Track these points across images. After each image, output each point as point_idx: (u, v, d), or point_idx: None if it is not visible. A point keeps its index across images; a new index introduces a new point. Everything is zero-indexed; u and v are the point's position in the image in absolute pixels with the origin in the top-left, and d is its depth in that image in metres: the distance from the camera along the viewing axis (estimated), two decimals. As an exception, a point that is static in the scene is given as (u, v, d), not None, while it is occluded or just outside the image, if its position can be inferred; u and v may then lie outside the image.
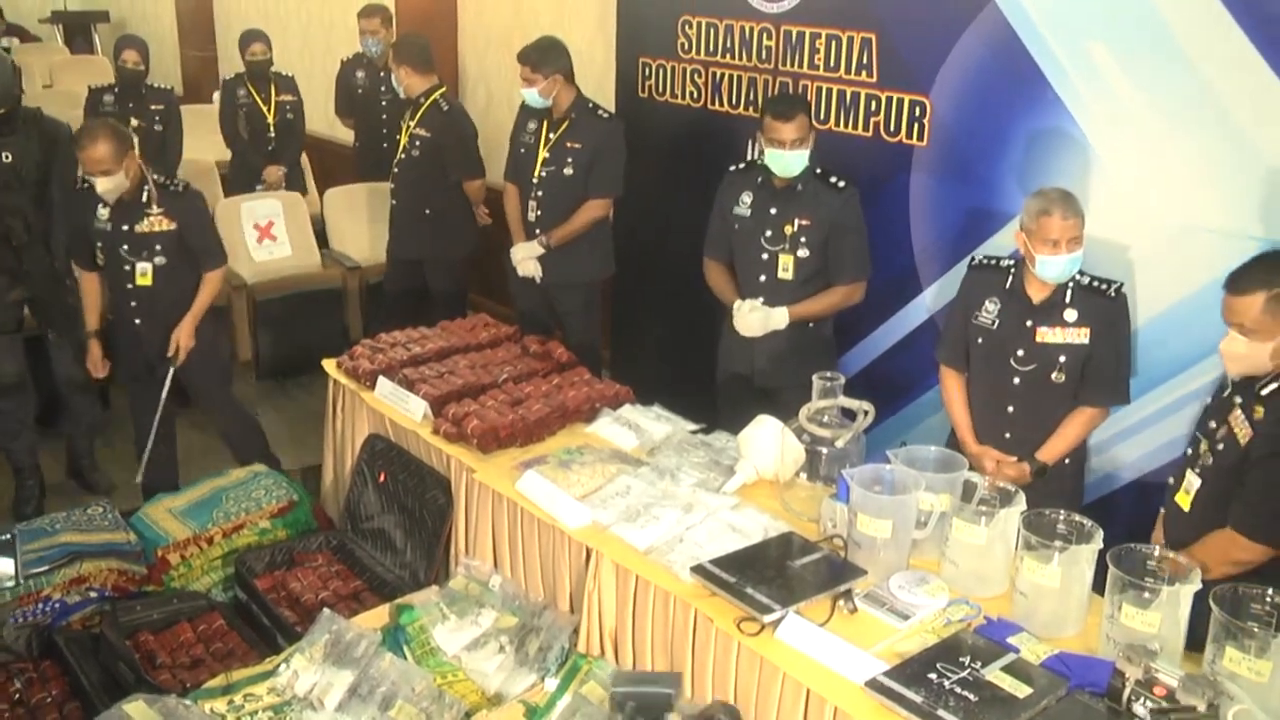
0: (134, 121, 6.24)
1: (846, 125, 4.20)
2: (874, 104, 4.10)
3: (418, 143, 5.39)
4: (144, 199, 4.36)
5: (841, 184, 3.89)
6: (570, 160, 4.68)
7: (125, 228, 4.36)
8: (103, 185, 4.23)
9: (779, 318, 3.91)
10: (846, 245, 3.91)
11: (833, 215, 3.88)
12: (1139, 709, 2.15)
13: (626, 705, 2.63)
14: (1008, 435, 3.40)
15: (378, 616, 3.25)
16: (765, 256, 3.96)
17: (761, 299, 3.95)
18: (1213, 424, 2.82)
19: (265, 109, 6.59)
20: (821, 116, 4.26)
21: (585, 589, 2.97)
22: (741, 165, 4.14)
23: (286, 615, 3.48)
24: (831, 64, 4.22)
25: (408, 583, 3.56)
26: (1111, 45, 3.45)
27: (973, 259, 3.49)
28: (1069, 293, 3.27)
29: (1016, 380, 3.34)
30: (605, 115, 4.77)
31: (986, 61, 3.76)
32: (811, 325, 4.00)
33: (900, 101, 4.02)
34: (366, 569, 3.74)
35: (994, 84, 3.76)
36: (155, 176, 4.46)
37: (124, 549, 3.87)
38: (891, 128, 4.07)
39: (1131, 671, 2.18)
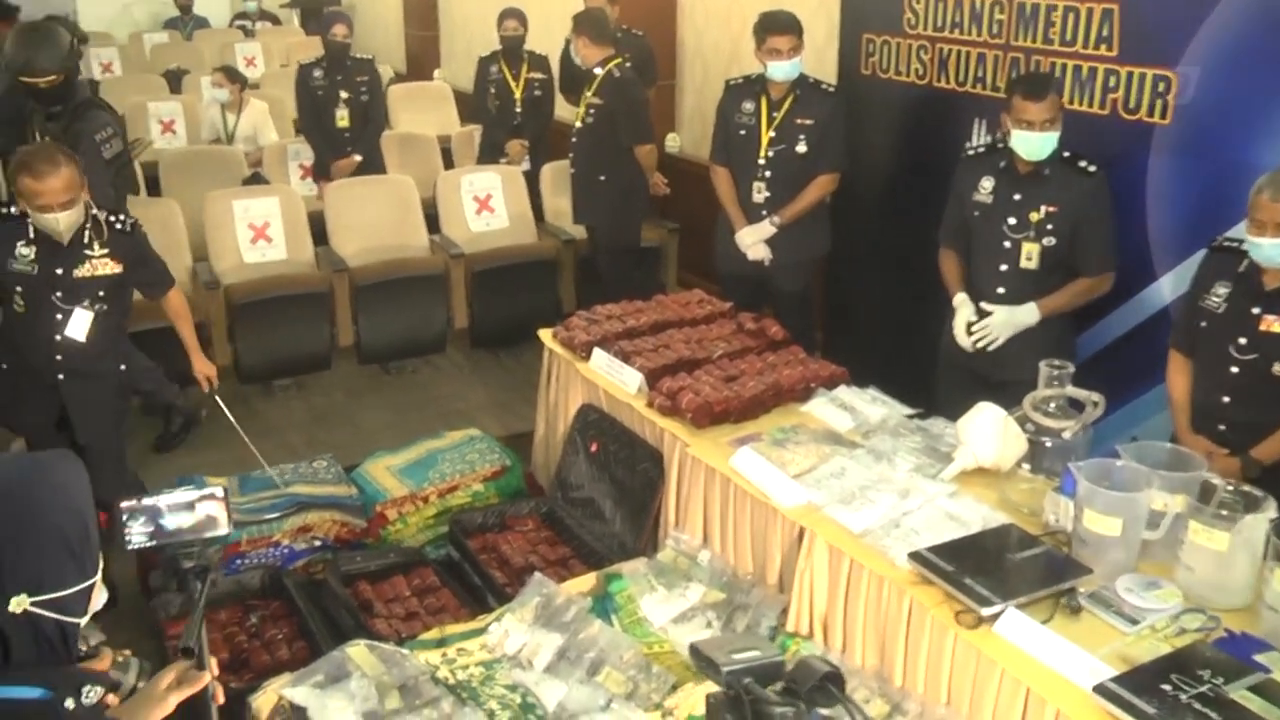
0: (343, 94, 6.51)
1: (1081, 103, 4.00)
2: (1113, 79, 3.89)
3: (592, 111, 5.57)
4: (84, 238, 3.76)
5: (1092, 168, 3.67)
6: (802, 137, 4.62)
7: (59, 271, 3.75)
8: (65, 220, 3.62)
9: (1026, 315, 3.72)
10: (1096, 234, 3.69)
11: (1082, 202, 3.66)
12: None
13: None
14: (1222, 427, 3.18)
15: (586, 583, 3.31)
16: (1008, 245, 3.75)
17: (1002, 289, 3.77)
18: None
19: (514, 85, 6.75)
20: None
21: (796, 569, 2.95)
22: (980, 148, 3.95)
23: (497, 576, 3.58)
24: (1068, 38, 4.02)
25: (615, 552, 3.61)
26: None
27: (1213, 241, 3.28)
28: None
29: (1235, 370, 3.12)
30: (830, 89, 4.72)
31: (1249, 32, 3.50)
32: (1057, 318, 3.79)
33: (1142, 76, 3.79)
34: (574, 536, 3.82)
35: (1256, 55, 3.49)
36: (97, 211, 3.83)
37: (346, 502, 4.09)
38: (1131, 104, 3.85)
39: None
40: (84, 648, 1.85)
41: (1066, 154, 3.69)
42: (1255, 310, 3.07)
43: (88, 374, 3.92)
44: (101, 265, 3.80)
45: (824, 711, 1.54)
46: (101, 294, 3.83)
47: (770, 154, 4.67)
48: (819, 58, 5.35)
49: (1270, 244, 2.95)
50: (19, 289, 3.76)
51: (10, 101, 4.61)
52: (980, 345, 3.78)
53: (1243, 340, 3.10)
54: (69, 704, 1.70)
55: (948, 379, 4.01)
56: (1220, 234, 3.32)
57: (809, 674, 1.53)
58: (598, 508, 3.83)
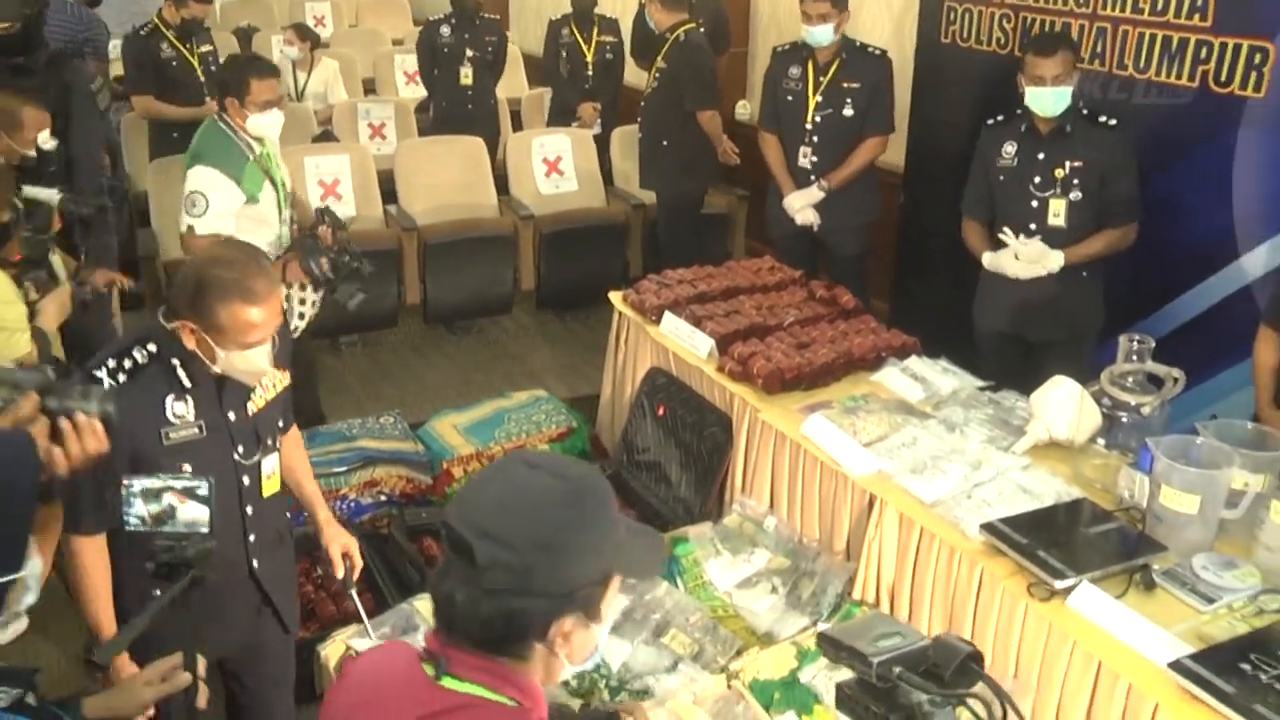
0: (469, 52, 6.54)
1: (1169, 75, 3.91)
2: (1204, 51, 3.80)
3: (659, 75, 5.58)
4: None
5: (1113, 121, 3.73)
6: (849, 100, 4.64)
7: (231, 416, 2.40)
8: (259, 361, 2.31)
9: (1053, 260, 3.76)
10: (1120, 185, 3.74)
11: (1106, 154, 3.72)
12: None
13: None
14: None
15: (652, 546, 3.32)
16: (1035, 204, 3.81)
17: None
18: None
19: (585, 48, 6.76)
20: (1141, 65, 4.00)
21: (865, 537, 2.95)
22: (1000, 117, 3.97)
23: (562, 536, 3.60)
24: (1158, 7, 3.93)
25: (680, 516, 3.63)
26: None
27: None
28: None
29: None
30: (876, 52, 4.71)
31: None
32: (1085, 274, 3.83)
33: (1237, 48, 3.69)
34: (640, 499, 3.84)
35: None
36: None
37: (413, 458, 4.13)
38: (1223, 77, 3.76)
39: None
40: None
41: (1085, 110, 3.76)
42: None
43: (281, 538, 2.65)
44: (272, 386, 2.51)
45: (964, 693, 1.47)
46: (280, 423, 2.61)
47: (817, 119, 4.69)
48: (897, 26, 5.29)
49: None
50: (187, 468, 2.21)
51: None
52: (1033, 259, 3.78)
53: None
54: None
55: (987, 345, 4.08)
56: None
57: (950, 655, 1.45)
58: (663, 471, 3.84)
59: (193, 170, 4.01)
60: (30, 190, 3.50)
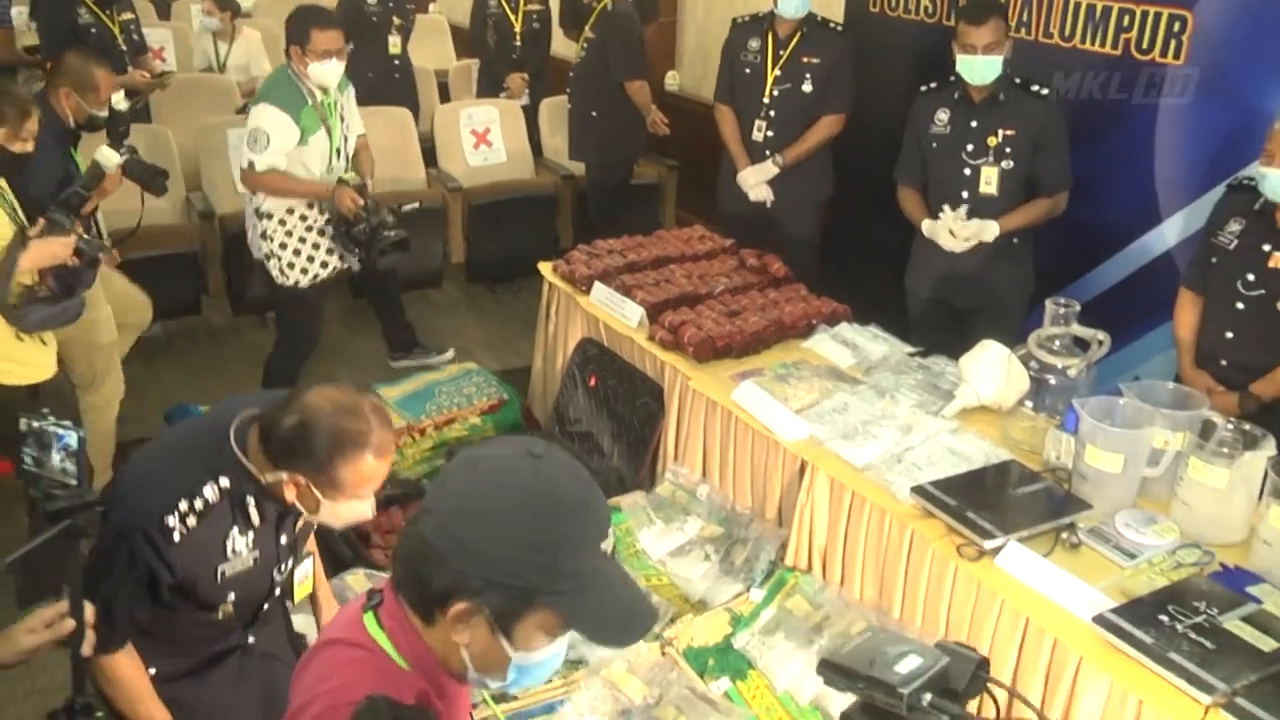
0: (396, 20, 6.41)
1: (1092, 43, 3.96)
2: (1126, 19, 3.84)
3: (587, 45, 5.56)
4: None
5: (1044, 91, 3.76)
6: (808, 75, 4.56)
7: (283, 540, 2.24)
8: (366, 508, 2.12)
9: (989, 230, 3.78)
10: (1052, 154, 3.77)
11: (1038, 123, 3.74)
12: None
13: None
14: (1224, 363, 3.19)
15: (584, 515, 3.31)
16: (967, 172, 3.82)
17: None
18: None
19: (513, 18, 6.66)
20: (1066, 33, 4.04)
21: (797, 503, 2.96)
22: (933, 84, 3.98)
23: (495, 508, 3.58)
24: (1082, -25, 3.98)
25: (614, 486, 3.62)
26: None
27: (1233, 180, 3.26)
28: None
29: (1240, 305, 3.12)
30: (838, 28, 4.65)
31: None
32: (1015, 241, 3.86)
33: (1157, 16, 3.75)
34: (573, 470, 3.81)
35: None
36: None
37: (343, 434, 4.06)
38: (1144, 44, 3.81)
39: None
40: None
41: (1017, 79, 3.77)
42: (1266, 247, 3.06)
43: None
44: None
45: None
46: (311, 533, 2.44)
47: (775, 93, 4.61)
48: (825, -6, 5.27)
49: (1278, 175, 2.94)
50: (231, 596, 2.19)
51: None
52: (968, 237, 3.80)
53: (1251, 276, 3.09)
54: None
55: (918, 313, 4.10)
56: (1229, 176, 3.30)
57: (964, 667, 1.35)
58: (596, 441, 3.83)
59: (255, 108, 4.23)
60: (103, 150, 3.65)
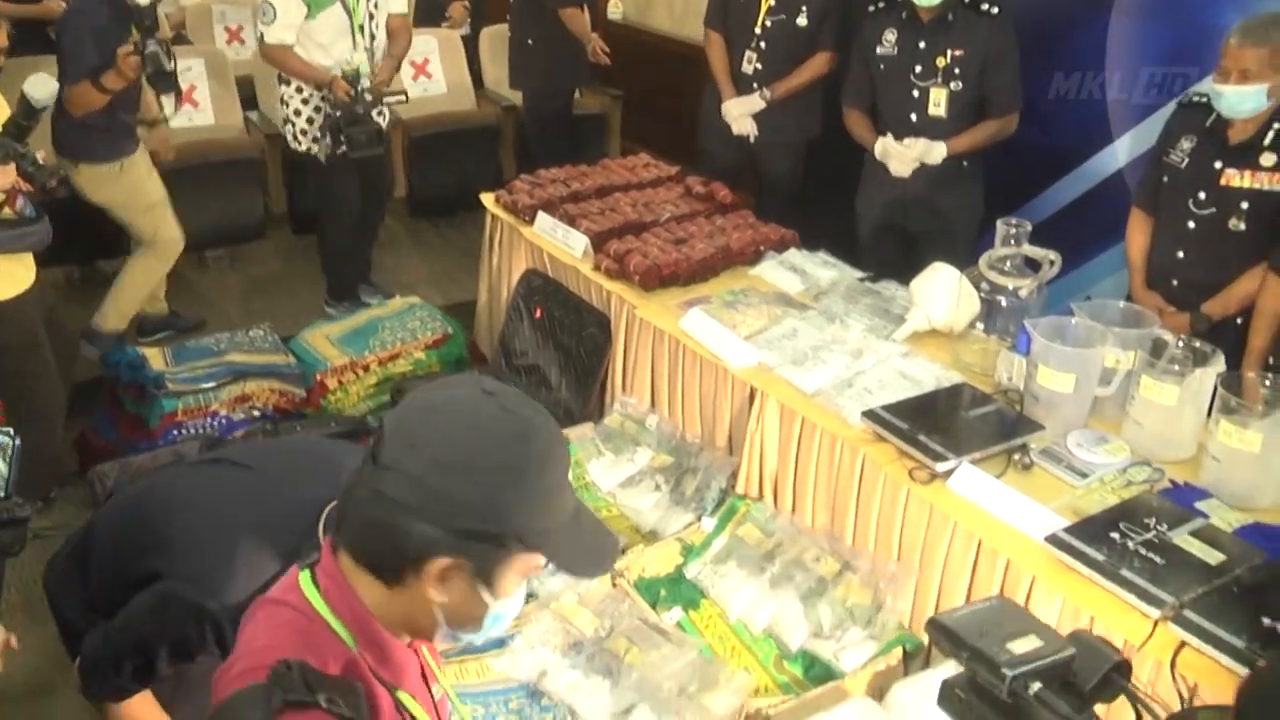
0: None
1: (1040, -39, 3.90)
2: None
3: None
4: None
5: (995, 10, 3.69)
6: (805, 8, 4.36)
7: None
8: None
9: (936, 152, 3.75)
10: (1001, 74, 3.73)
11: (987, 43, 3.69)
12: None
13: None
14: (1175, 283, 3.19)
15: (532, 449, 3.25)
16: (915, 93, 3.78)
17: (911, 139, 3.79)
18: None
19: None
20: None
21: (747, 431, 2.92)
22: (881, 4, 3.90)
23: (441, 443, 3.52)
24: (1029, -108, 3.90)
25: (562, 418, 3.55)
26: None
27: (1184, 97, 3.22)
28: (1271, 135, 2.98)
29: (1192, 224, 3.11)
30: None
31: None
32: (965, 164, 3.83)
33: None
34: (520, 403, 3.74)
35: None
36: None
37: (284, 371, 3.97)
38: (1093, -38, 3.77)
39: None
40: None
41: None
42: (1217, 165, 3.04)
43: None
44: None
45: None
46: None
47: (768, 23, 4.41)
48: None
49: (1233, 91, 2.91)
50: None
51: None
52: (915, 157, 3.79)
53: (1202, 195, 3.07)
54: None
55: (869, 237, 4.07)
56: (1180, 96, 3.27)
57: (1095, 664, 1.22)
58: (543, 374, 3.76)
59: None
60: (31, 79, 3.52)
